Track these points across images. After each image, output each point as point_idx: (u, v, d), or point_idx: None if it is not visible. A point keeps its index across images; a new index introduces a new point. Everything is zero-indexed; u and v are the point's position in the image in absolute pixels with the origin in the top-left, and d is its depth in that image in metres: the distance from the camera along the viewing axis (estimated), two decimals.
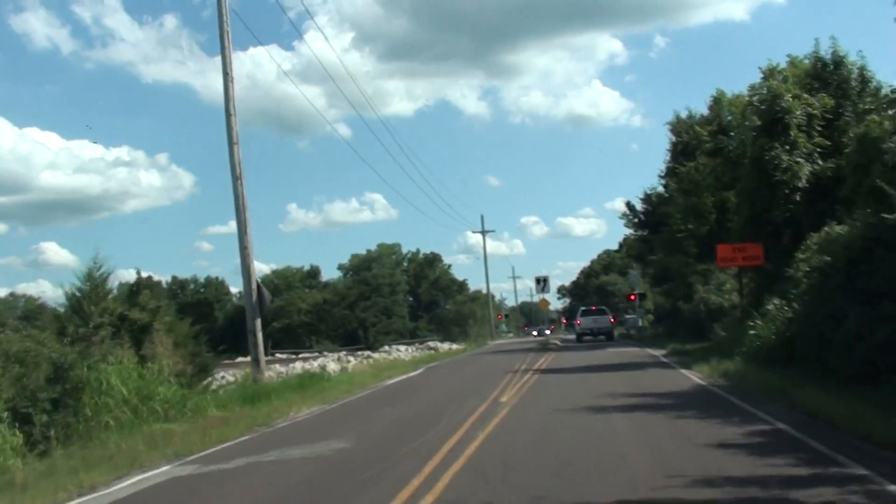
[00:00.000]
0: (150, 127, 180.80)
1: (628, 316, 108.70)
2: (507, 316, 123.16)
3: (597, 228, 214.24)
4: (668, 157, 56.70)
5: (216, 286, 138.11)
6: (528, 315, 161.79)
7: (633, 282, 79.73)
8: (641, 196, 60.61)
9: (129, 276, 28.26)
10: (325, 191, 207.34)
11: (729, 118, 46.80)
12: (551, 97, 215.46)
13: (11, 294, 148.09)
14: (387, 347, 73.93)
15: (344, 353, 60.21)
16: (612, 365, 34.05)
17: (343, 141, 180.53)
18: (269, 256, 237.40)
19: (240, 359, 66.32)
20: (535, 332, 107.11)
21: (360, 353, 60.79)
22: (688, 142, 52.68)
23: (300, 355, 67.38)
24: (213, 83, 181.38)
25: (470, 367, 39.13)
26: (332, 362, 47.55)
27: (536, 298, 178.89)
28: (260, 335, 30.01)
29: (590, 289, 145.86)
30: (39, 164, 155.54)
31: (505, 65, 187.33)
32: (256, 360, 29.93)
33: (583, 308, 75.98)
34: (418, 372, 38.25)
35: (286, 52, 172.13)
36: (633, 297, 78.75)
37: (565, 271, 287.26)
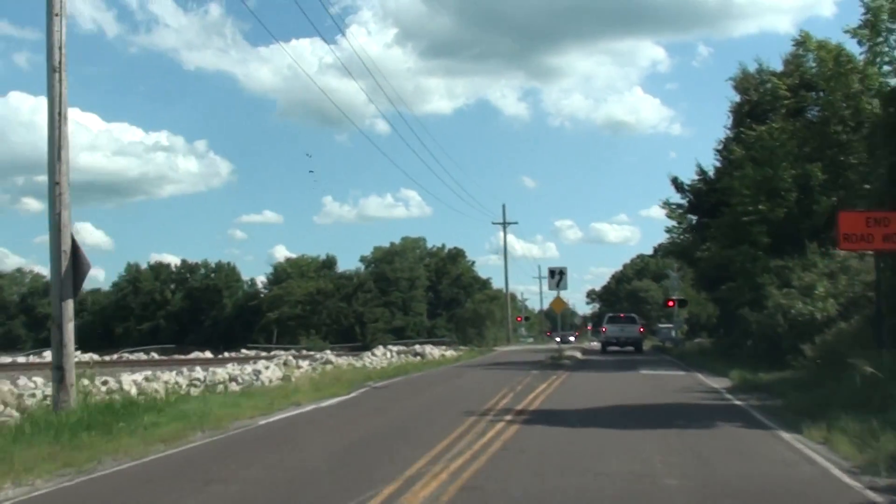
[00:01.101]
0: (190, 113, 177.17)
1: (662, 326, 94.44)
2: (527, 319, 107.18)
3: (631, 235, 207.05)
4: (729, 122, 41.64)
5: (227, 272, 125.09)
6: (554, 319, 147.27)
7: (673, 285, 64.44)
8: (692, 180, 45.28)
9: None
10: (360, 185, 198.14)
11: (815, 68, 32.01)
12: (591, 101, 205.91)
13: (19, 270, 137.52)
14: (381, 348, 60.31)
15: (293, 354, 45.78)
16: (649, 410, 19.57)
17: (381, 136, 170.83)
18: (302, 247, 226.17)
19: (244, 351, 53.11)
20: (557, 339, 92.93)
21: (340, 354, 46.63)
22: (758, 101, 37.94)
23: (271, 353, 53.48)
24: (255, 73, 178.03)
25: (427, 395, 24.42)
26: (276, 367, 33.35)
27: (567, 303, 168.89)
28: (70, 327, 17.23)
29: (621, 294, 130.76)
30: (79, 146, 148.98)
31: (546, 66, 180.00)
32: (60, 369, 16.90)
33: (610, 314, 61.46)
34: (352, 395, 23.80)
35: (328, 45, 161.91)
36: (671, 303, 63.30)
37: (597, 277, 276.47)
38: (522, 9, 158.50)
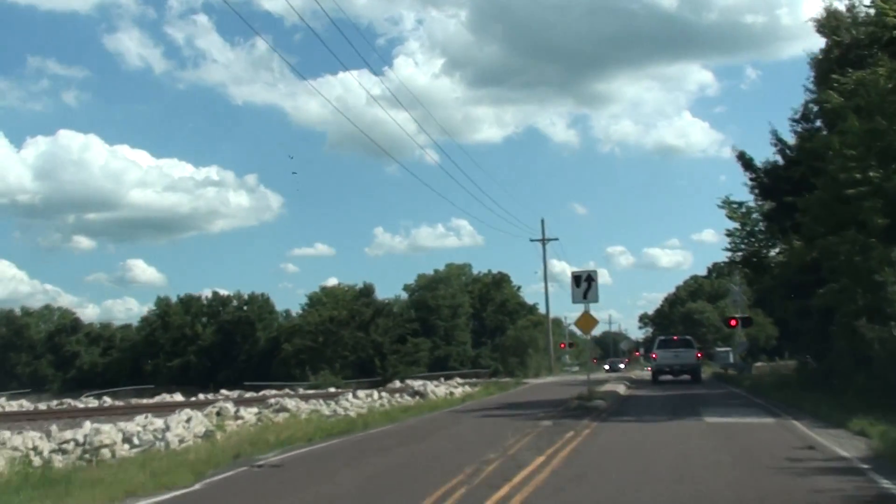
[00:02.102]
0: (239, 148, 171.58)
1: (720, 349, 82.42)
2: (571, 345, 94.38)
3: (683, 260, 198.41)
4: (810, 78, 29.89)
5: (260, 304, 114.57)
6: (606, 347, 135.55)
7: (735, 301, 52.00)
8: (765, 161, 33.45)
9: None
10: (411, 216, 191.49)
11: None
12: (641, 126, 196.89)
13: (47, 307, 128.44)
14: (397, 383, 49.45)
15: (243, 397, 34.26)
16: None
17: (431, 166, 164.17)
18: (354, 278, 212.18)
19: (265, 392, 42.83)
20: (606, 367, 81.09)
21: (331, 394, 36.14)
22: (852, 42, 26.20)
23: (259, 392, 42.62)
24: (303, 105, 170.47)
25: (323, 489, 12.51)
26: (206, 419, 22.38)
27: (618, 328, 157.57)
28: None
29: (674, 318, 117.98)
30: (129, 182, 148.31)
31: (594, 93, 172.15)
32: None
33: (661, 338, 49.48)
34: (195, 488, 12.15)
35: (376, 76, 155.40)
36: (733, 323, 51.20)
37: (650, 302, 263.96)
38: (569, 36, 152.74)
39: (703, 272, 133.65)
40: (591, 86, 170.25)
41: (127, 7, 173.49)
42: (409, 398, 35.40)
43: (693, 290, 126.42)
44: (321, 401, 33.16)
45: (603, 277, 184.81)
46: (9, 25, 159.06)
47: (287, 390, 54.08)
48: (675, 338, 47.30)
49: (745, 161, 32.65)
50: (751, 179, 32.96)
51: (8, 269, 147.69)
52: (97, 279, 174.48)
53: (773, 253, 38.53)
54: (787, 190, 29.10)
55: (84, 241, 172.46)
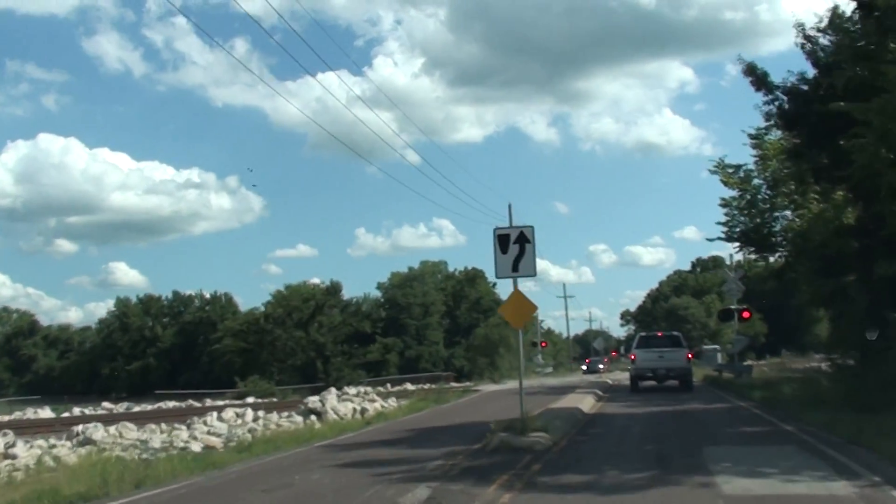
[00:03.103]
0: (220, 149, 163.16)
1: (707, 347, 72.41)
2: (534, 344, 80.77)
3: (665, 258, 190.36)
4: None
5: (222, 304, 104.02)
6: (587, 346, 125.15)
7: (731, 291, 41.20)
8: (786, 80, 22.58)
9: None
10: (393, 216, 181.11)
11: None
12: (621, 124, 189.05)
13: (5, 308, 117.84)
14: (346, 390, 39.59)
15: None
16: None
17: (411, 166, 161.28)
18: (337, 277, 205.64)
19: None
20: (583, 368, 70.56)
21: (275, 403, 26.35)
22: None
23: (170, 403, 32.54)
24: (283, 107, 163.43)
25: None
26: None
27: (600, 326, 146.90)
28: None
29: (657, 314, 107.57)
30: (110, 185, 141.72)
31: (575, 91, 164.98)
32: None
33: (642, 334, 39.36)
34: None
35: (355, 77, 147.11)
36: (747, 314, 41.10)
37: (633, 300, 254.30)
38: (549, 34, 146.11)
39: (685, 270, 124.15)
40: (571, 84, 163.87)
41: (105, 10, 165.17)
42: (298, 419, 25.05)
43: (677, 284, 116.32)
44: (163, 425, 22.85)
45: (585, 276, 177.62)
46: None
47: (190, 401, 43.91)
48: (660, 334, 36.77)
49: (759, 78, 21.95)
50: (766, 103, 22.34)
51: None
52: (79, 282, 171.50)
53: (786, 221, 28.49)
54: (821, 120, 18.43)
55: (66, 245, 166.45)
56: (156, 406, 42.67)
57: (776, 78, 21.85)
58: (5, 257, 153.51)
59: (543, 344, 74.79)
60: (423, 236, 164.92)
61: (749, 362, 53.69)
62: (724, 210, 35.31)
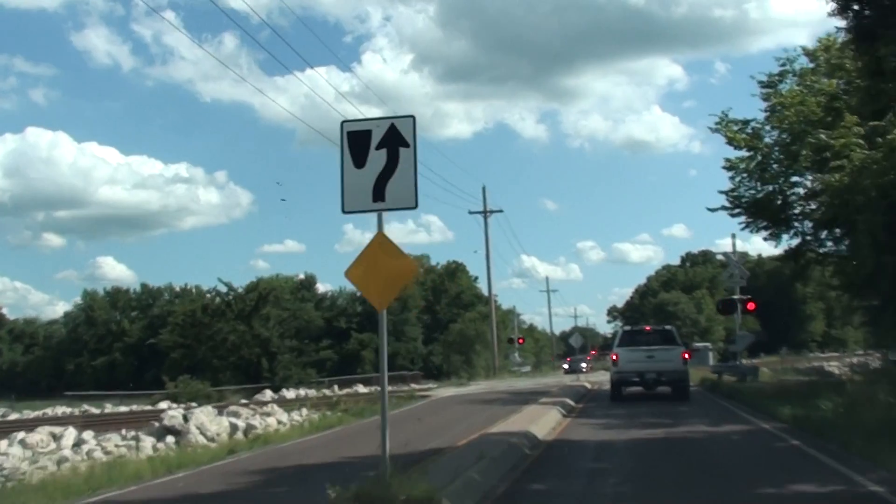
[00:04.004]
0: (209, 144, 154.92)
1: (697, 345, 65.02)
2: (510, 341, 71.54)
3: (653, 255, 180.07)
4: None
5: (192, 297, 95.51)
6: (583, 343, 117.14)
7: (733, 277, 32.84)
8: None
9: None
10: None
11: None
12: (610, 122, 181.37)
13: None
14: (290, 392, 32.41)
15: None
16: None
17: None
18: (325, 275, 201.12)
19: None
20: (565, 367, 62.56)
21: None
22: None
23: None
24: (271, 102, 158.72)
25: None
26: None
27: (586, 323, 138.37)
28: None
29: (645, 310, 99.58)
30: (98, 179, 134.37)
31: (563, 88, 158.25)
32: None
33: (625, 329, 30.57)
34: None
35: (344, 73, 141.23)
36: (752, 306, 32.85)
37: (621, 297, 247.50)
38: (538, 31, 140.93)
39: (674, 264, 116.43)
40: (560, 81, 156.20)
41: (94, 4, 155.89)
42: (147, 442, 17.09)
43: (666, 279, 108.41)
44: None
45: (573, 273, 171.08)
46: None
47: (86, 406, 36.13)
48: (648, 328, 28.33)
49: None
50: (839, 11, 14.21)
51: None
52: (67, 276, 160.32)
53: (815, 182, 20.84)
54: None
55: (54, 239, 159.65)
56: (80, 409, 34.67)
57: None
58: None
59: (521, 340, 66.62)
60: (411, 232, 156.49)
61: (746, 361, 45.86)
62: (730, 175, 27.55)
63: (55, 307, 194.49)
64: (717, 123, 27.39)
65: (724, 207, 27.45)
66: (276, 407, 23.09)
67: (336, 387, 43.95)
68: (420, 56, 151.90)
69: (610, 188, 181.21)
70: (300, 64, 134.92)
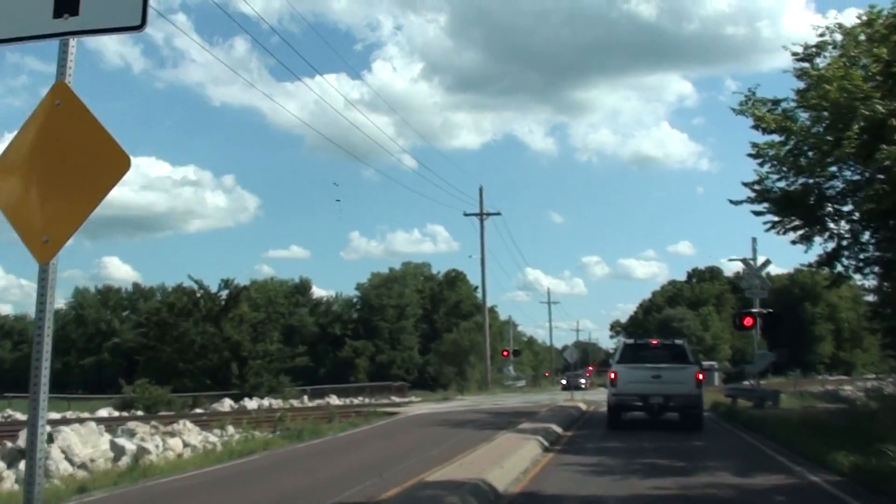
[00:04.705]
0: (217, 148, 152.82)
1: (703, 364, 59.77)
2: (516, 353, 67.08)
3: (658, 272, 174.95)
4: None
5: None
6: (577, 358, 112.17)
7: (753, 288, 27.93)
8: None
9: None
10: (387, 220, 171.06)
11: None
12: (619, 136, 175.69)
13: None
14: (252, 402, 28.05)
15: None
16: None
17: (407, 171, 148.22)
18: (330, 282, 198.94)
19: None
20: (563, 382, 57.67)
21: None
22: None
23: None
24: (281, 108, 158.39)
25: None
26: None
27: (588, 337, 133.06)
28: None
29: (650, 326, 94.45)
30: None
31: (573, 101, 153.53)
32: None
33: (627, 342, 23.91)
34: None
35: (353, 80, 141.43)
36: (748, 322, 27.88)
37: (625, 313, 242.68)
38: (549, 43, 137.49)
39: (680, 280, 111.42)
40: (569, 94, 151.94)
41: None
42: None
43: (671, 295, 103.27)
44: None
45: (577, 287, 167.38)
46: None
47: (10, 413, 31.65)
48: (655, 342, 23.19)
49: None
50: None
51: None
52: (72, 276, 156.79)
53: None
54: None
55: None
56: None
57: None
58: None
59: (504, 353, 61.39)
60: (416, 241, 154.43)
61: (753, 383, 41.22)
62: (756, 164, 22.75)
63: (57, 305, 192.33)
64: (743, 103, 22.61)
65: (749, 200, 22.62)
66: (188, 425, 18.23)
67: (306, 398, 39.07)
68: (430, 65, 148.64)
69: (617, 203, 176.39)
70: (310, 71, 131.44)
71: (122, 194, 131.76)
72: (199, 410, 32.36)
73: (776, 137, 22.13)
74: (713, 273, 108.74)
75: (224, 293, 44.34)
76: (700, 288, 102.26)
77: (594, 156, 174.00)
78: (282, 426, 20.72)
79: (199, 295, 44.16)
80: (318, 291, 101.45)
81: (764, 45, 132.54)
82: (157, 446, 15.44)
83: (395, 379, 70.39)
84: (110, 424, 20.06)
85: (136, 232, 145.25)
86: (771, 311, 29.82)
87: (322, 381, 66.07)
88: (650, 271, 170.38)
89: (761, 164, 22.45)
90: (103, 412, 30.54)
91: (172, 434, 16.83)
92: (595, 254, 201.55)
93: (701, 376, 20.71)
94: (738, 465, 13.39)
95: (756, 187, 22.93)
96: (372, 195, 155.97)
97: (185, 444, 16.15)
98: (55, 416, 27.26)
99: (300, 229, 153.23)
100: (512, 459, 12.87)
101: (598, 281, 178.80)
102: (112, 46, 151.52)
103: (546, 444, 16.13)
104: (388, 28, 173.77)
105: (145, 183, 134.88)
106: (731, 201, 23.30)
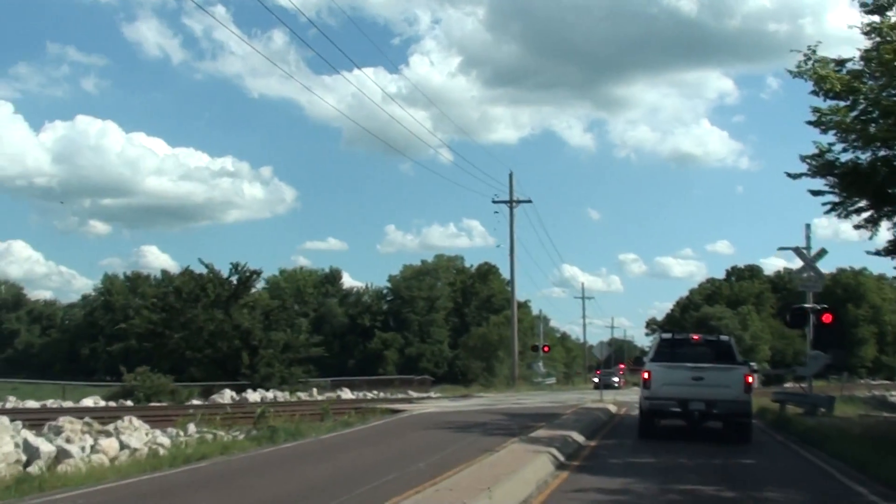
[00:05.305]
0: (255, 140, 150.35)
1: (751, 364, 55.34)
2: (534, 349, 61.70)
3: (696, 271, 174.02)
4: None
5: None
6: (608, 355, 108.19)
7: (809, 281, 24.48)
8: None
9: None
10: (423, 214, 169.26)
11: None
12: (658, 133, 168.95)
13: None
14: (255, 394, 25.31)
15: None
16: None
17: (445, 165, 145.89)
18: (366, 274, 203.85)
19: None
20: (595, 380, 53.96)
21: None
22: None
23: None
24: (318, 101, 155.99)
25: None
26: None
27: (623, 335, 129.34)
28: None
29: (687, 324, 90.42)
30: (145, 169, 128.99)
31: (613, 97, 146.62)
32: None
33: (664, 337, 20.25)
34: None
35: (391, 74, 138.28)
36: (829, 318, 24.36)
37: (661, 312, 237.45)
38: (588, 37, 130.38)
39: (719, 278, 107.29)
40: (609, 89, 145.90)
41: None
42: None
43: (709, 293, 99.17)
44: None
45: (614, 284, 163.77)
46: (29, 11, 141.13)
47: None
48: (696, 338, 19.78)
49: None
50: None
51: (24, 250, 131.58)
52: (111, 263, 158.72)
53: None
54: None
55: (99, 226, 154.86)
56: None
57: None
58: (40, 235, 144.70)
59: (546, 349, 58.02)
60: (452, 236, 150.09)
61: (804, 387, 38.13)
62: (817, 133, 19.35)
63: (86, 291, 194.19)
64: (799, 65, 19.18)
65: (809, 172, 19.23)
66: (135, 422, 15.23)
67: (315, 390, 36.12)
68: (468, 59, 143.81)
69: (654, 201, 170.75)
70: (348, 64, 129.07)
71: (161, 184, 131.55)
72: (195, 402, 29.51)
73: (841, 104, 18.80)
74: (753, 271, 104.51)
75: (234, 278, 41.37)
76: (739, 286, 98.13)
77: (632, 152, 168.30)
78: (262, 424, 17.67)
79: (207, 279, 41.26)
80: (348, 282, 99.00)
81: (807, 42, 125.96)
82: (83, 448, 12.48)
83: (423, 372, 67.40)
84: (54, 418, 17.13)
85: (175, 222, 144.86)
86: (826, 306, 26.32)
87: (351, 373, 63.25)
88: (687, 270, 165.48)
89: (824, 132, 19.06)
90: (88, 401, 27.68)
91: (107, 434, 13.87)
92: (632, 251, 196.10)
93: (750, 379, 17.33)
94: (806, 500, 10.10)
95: (815, 162, 19.56)
96: (409, 189, 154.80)
97: (123, 446, 13.17)
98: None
99: (337, 221, 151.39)
100: (509, 484, 9.70)
101: (635, 279, 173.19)
102: (152, 38, 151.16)
103: (561, 458, 12.93)
104: (425, 22, 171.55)
105: (184, 173, 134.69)
106: (789, 174, 19.92)
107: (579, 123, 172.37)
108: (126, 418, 15.33)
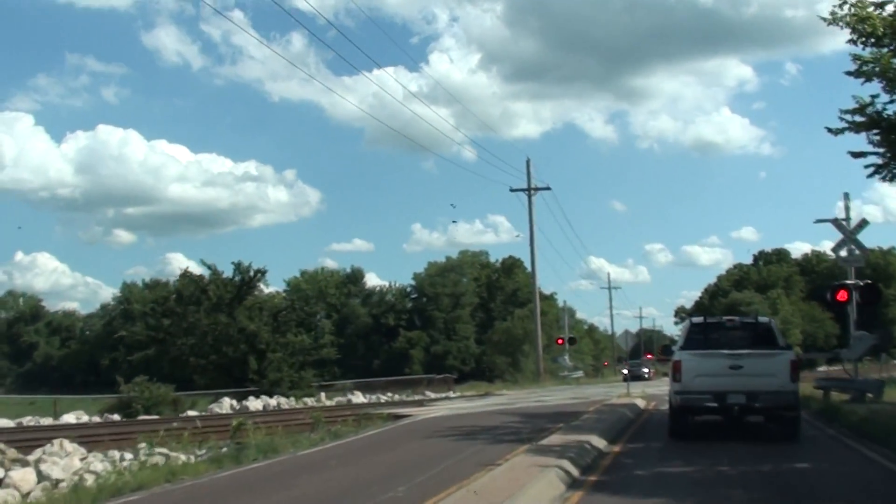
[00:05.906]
0: (277, 143, 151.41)
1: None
2: (571, 341, 60.00)
3: (722, 258, 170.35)
4: None
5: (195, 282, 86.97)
6: (637, 345, 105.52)
7: (851, 255, 21.78)
8: None
9: None
10: (448, 212, 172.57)
11: None
12: (679, 122, 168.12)
13: (9, 293, 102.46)
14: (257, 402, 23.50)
15: None
16: None
17: (468, 162, 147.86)
18: (392, 274, 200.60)
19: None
20: (624, 372, 51.46)
21: None
22: None
23: None
24: (340, 102, 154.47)
25: None
26: None
27: (652, 325, 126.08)
28: None
29: (716, 311, 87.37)
30: (168, 177, 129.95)
31: (633, 88, 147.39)
32: None
33: (695, 321, 17.32)
34: None
35: (411, 73, 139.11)
36: (872, 297, 21.86)
37: (689, 301, 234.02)
38: (606, 30, 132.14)
39: (747, 263, 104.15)
40: (629, 81, 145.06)
41: (164, 4, 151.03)
42: None
43: (737, 279, 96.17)
44: None
45: (641, 275, 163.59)
46: (48, 23, 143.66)
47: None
48: (732, 321, 17.14)
49: None
50: None
51: (50, 262, 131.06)
52: (137, 272, 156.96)
53: None
54: None
55: (124, 235, 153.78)
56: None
57: None
58: (65, 246, 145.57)
59: (559, 341, 55.36)
60: (478, 232, 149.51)
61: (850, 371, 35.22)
62: (858, 84, 16.86)
63: (105, 299, 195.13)
64: (833, 12, 16.72)
65: (851, 127, 16.72)
66: (67, 445, 12.84)
67: (323, 395, 33.84)
68: (488, 55, 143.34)
69: (678, 190, 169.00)
70: (368, 64, 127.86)
71: (185, 191, 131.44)
72: (192, 413, 27.31)
73: (884, 50, 16.35)
74: (780, 255, 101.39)
75: (237, 279, 39.12)
76: (767, 271, 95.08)
77: (655, 143, 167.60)
78: (238, 439, 15.38)
79: (208, 281, 39.10)
80: (371, 281, 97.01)
81: (824, 27, 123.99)
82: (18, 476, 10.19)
83: (450, 370, 65.15)
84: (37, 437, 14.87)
85: (200, 228, 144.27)
86: (869, 282, 23.71)
87: (375, 374, 61.08)
88: (714, 258, 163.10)
89: (867, 82, 16.53)
90: (70, 417, 25.37)
91: (26, 463, 11.57)
92: (658, 241, 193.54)
93: (795, 365, 14.77)
94: None
95: (857, 116, 17.03)
96: (434, 187, 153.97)
97: (43, 478, 10.88)
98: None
99: (362, 222, 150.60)
100: None
101: (662, 268, 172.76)
102: (171, 45, 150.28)
103: (575, 473, 10.52)
104: (443, 20, 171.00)
105: (207, 179, 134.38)
106: (829, 129, 17.31)
107: (600, 116, 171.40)
108: (56, 442, 12.99)
